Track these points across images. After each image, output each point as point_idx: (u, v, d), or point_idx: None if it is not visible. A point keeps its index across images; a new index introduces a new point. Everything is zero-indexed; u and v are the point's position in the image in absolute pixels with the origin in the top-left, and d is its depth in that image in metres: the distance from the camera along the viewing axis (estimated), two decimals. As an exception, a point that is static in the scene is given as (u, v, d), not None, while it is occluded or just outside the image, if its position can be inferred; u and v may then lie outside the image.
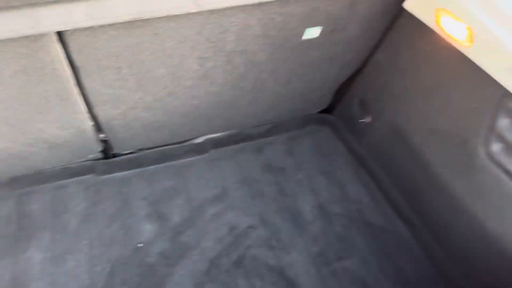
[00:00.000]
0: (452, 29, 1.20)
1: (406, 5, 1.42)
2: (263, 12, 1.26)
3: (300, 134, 2.11)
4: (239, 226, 1.74)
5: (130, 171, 1.91)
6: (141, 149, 1.96)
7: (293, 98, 1.90)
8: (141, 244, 1.66)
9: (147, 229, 1.71)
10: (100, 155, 1.90)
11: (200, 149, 2.00)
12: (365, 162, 1.92)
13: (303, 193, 1.86)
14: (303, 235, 1.71)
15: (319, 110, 2.14)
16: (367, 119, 1.88)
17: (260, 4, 1.22)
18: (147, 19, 1.16)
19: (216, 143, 2.03)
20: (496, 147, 1.23)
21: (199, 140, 2.02)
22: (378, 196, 1.83)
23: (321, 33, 1.48)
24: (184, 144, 2.01)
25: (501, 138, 1.21)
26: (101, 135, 1.74)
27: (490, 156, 1.25)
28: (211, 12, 1.20)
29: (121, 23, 1.15)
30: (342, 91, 2.01)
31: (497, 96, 1.17)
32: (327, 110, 2.15)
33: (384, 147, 1.80)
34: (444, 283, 1.54)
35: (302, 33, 1.43)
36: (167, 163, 1.95)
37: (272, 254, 1.65)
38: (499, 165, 1.22)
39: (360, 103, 1.90)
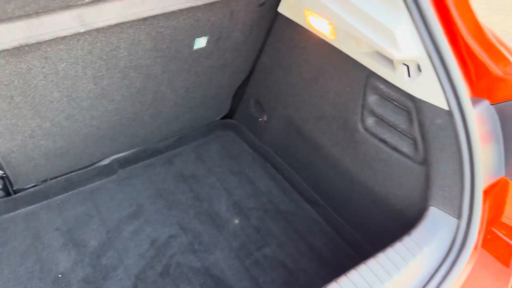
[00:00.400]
0: (319, 25, 1.38)
1: (280, 9, 1.59)
2: (150, 27, 1.33)
3: (207, 141, 2.20)
4: (160, 238, 1.77)
5: (36, 205, 1.84)
6: (45, 180, 1.90)
7: (194, 107, 1.99)
8: (61, 275, 1.62)
9: (65, 258, 1.67)
10: (0, 193, 1.81)
11: (108, 171, 1.99)
12: (269, 157, 2.07)
13: (217, 195, 1.95)
14: (223, 233, 1.79)
15: (221, 116, 2.25)
16: (264, 118, 2.03)
17: (145, 19, 1.29)
18: (35, 44, 1.16)
19: (124, 163, 2.03)
20: (370, 121, 1.44)
21: (106, 161, 2.02)
22: (285, 186, 1.98)
23: (208, 42, 1.60)
24: (91, 168, 1.99)
25: (373, 113, 1.41)
26: (-1, 172, 1.67)
27: (367, 130, 1.45)
28: (99, 30, 1.24)
29: (8, 50, 1.14)
30: (239, 95, 2.15)
31: (364, 77, 1.38)
32: (229, 115, 2.27)
33: (283, 140, 1.96)
34: (351, 249, 1.73)
35: (192, 44, 1.53)
36: (76, 190, 1.91)
37: (196, 257, 1.71)
38: (375, 136, 1.43)
39: (256, 104, 2.05)
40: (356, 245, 1.71)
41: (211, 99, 2.03)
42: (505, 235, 1.26)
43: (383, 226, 1.54)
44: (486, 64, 1.17)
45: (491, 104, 1.21)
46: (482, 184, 1.17)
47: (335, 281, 1.11)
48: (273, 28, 1.70)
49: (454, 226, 1.23)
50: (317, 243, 1.76)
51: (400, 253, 1.19)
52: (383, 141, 1.41)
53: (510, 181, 1.26)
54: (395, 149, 1.39)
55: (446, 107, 1.16)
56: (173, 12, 1.30)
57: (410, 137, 1.33)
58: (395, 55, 1.15)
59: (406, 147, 1.35)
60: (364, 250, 1.68)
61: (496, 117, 1.22)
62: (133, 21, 1.25)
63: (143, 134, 1.97)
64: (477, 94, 1.16)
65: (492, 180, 1.24)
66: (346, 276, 1.14)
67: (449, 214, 1.25)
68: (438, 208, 1.27)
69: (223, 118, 2.29)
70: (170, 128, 2.06)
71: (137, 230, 1.79)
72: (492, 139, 1.22)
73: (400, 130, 1.35)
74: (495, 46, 1.18)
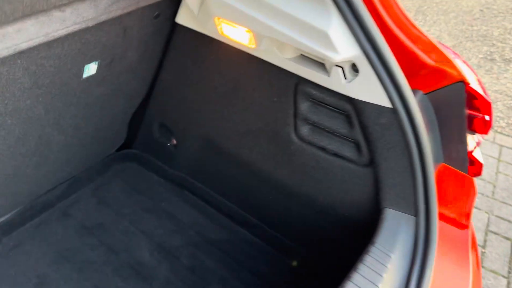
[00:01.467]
0: (235, 34, 1.23)
1: (179, 20, 1.39)
2: (28, 60, 1.03)
3: (106, 180, 1.89)
4: (76, 311, 1.45)
5: None
6: None
7: (87, 144, 1.67)
8: None
9: None
10: None
11: (-13, 243, 1.57)
12: (186, 184, 1.86)
13: (135, 241, 1.67)
14: (153, 285, 1.54)
15: (117, 147, 1.95)
16: (173, 142, 1.81)
17: (21, 52, 0.98)
18: None
19: (7, 228, 1.63)
20: (304, 129, 1.34)
21: (-18, 233, 1.59)
22: (210, 212, 1.79)
23: (100, 67, 1.33)
24: (-38, 246, 1.54)
25: (307, 121, 1.32)
26: None
27: (303, 139, 1.35)
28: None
29: None
30: (137, 121, 1.88)
31: (292, 85, 1.27)
32: (126, 145, 1.98)
33: (200, 162, 1.76)
34: (301, 267, 1.63)
35: (81, 72, 1.24)
36: None
37: (129, 323, 1.43)
38: (313, 144, 1.33)
39: (160, 127, 1.81)
40: (306, 262, 1.61)
41: (106, 130, 1.73)
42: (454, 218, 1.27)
43: (331, 236, 1.46)
44: (418, 55, 1.15)
45: (425, 94, 1.20)
46: (433, 176, 1.15)
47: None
48: (173, 42, 1.49)
49: (412, 224, 1.20)
50: (262, 268, 1.62)
51: (372, 266, 1.11)
52: (322, 149, 1.33)
53: (449, 166, 1.28)
54: (336, 155, 1.31)
55: (389, 105, 1.11)
56: (56, 38, 1.02)
57: (351, 141, 1.26)
58: (333, 57, 1.06)
59: (348, 151, 1.27)
60: (314, 265, 1.59)
61: (430, 105, 1.22)
62: (5, 57, 0.94)
63: (26, 190, 1.59)
64: (413, 86, 1.13)
65: (435, 169, 1.23)
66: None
67: (405, 212, 1.21)
68: (394, 209, 1.22)
69: (119, 149, 1.99)
70: (60, 174, 1.70)
71: (45, 310, 1.44)
72: (429, 128, 1.21)
73: (339, 135, 1.27)
74: (422, 35, 1.17)
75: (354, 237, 1.37)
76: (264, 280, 1.58)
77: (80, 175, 1.85)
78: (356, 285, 1.07)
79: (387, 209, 1.22)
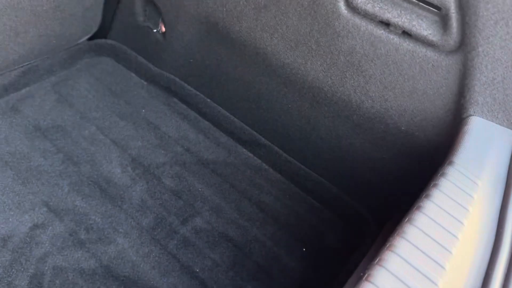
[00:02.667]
0: None
1: None
2: None
3: (72, 74, 1.46)
4: (16, 232, 1.06)
5: None
6: None
7: (48, 23, 1.24)
8: None
9: None
10: None
11: None
12: (175, 88, 1.44)
13: (103, 152, 1.27)
14: (123, 208, 1.15)
15: (89, 35, 1.51)
16: (161, 28, 1.36)
17: None
18: None
19: None
20: None
21: None
22: (204, 126, 1.39)
23: None
24: None
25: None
26: None
27: (356, 9, 0.91)
28: None
29: None
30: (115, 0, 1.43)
31: None
32: (101, 33, 1.53)
33: (196, 58, 1.33)
34: (316, 201, 1.25)
35: None
36: None
37: (86, 253, 1.05)
38: (371, 17, 0.90)
39: (145, 6, 1.36)
40: (322, 193, 1.24)
41: (73, 8, 1.28)
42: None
43: (370, 157, 1.08)
44: None
45: None
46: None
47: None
48: None
49: (510, 139, 0.81)
50: (266, 198, 1.24)
51: (451, 194, 0.74)
52: (385, 25, 0.91)
53: None
54: (406, 34, 0.89)
55: None
56: None
57: (434, 8, 0.84)
58: None
59: (426, 28, 0.86)
60: (335, 199, 1.21)
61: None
62: None
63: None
64: None
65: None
66: (391, 251, 0.65)
67: (501, 124, 0.82)
68: (484, 118, 0.83)
69: (91, 38, 1.54)
70: (10, 56, 1.27)
71: (-29, 227, 1.05)
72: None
73: None
74: None
75: (406, 162, 0.99)
76: (269, 213, 1.20)
77: (38, 64, 1.41)
78: (430, 218, 0.69)
79: (474, 117, 0.83)
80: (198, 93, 1.39)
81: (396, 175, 1.09)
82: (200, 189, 1.23)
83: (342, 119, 1.08)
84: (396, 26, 0.89)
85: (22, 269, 1.00)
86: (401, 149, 1.04)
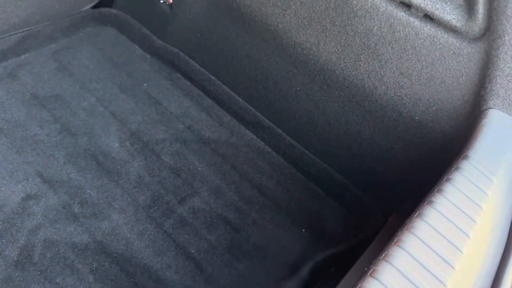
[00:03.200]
0: None
1: None
2: None
3: (73, 43, 1.41)
4: (7, 202, 1.03)
5: None
6: None
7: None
8: None
9: None
10: None
11: None
12: (179, 63, 1.38)
13: (101, 125, 1.23)
14: (120, 183, 1.12)
15: (93, 3, 1.45)
16: (169, -1, 1.31)
17: None
18: None
19: None
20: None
21: None
22: (207, 104, 1.34)
23: None
24: None
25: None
26: None
27: None
28: None
29: None
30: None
31: None
32: (105, 2, 1.48)
33: (203, 31, 1.28)
34: (319, 187, 1.21)
35: None
36: None
37: (79, 228, 1.02)
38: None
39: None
40: (326, 180, 1.20)
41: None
42: None
43: (380, 146, 1.03)
44: None
45: None
46: None
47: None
48: None
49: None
50: (267, 182, 1.20)
51: (464, 189, 0.70)
52: (405, 6, 0.86)
53: None
54: (428, 18, 0.84)
55: None
56: None
57: None
58: None
59: (449, 12, 0.81)
60: (339, 187, 1.17)
61: None
62: None
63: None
64: None
65: None
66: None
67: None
68: (504, 112, 0.78)
69: (96, 6, 1.48)
70: (10, 19, 1.22)
71: (-39, 193, 1.02)
72: None
73: None
74: None
75: (429, 154, 0.95)
76: (269, 197, 1.17)
77: (39, 30, 1.36)
78: (442, 214, 0.66)
79: (494, 110, 0.79)
80: (202, 69, 1.34)
81: (405, 166, 1.05)
82: (200, 169, 1.19)
83: (353, 104, 1.04)
84: (417, 9, 0.84)
85: (13, 240, 0.97)
86: (412, 140, 1.00)
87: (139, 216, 1.07)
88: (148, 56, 1.42)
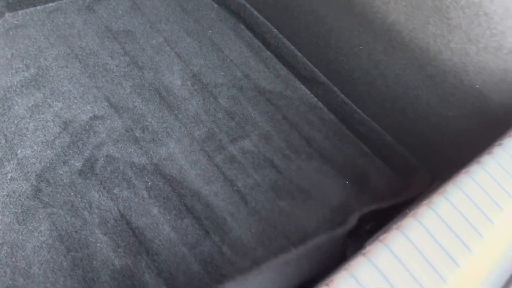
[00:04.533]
0: None
1: None
2: None
3: (148, -15, 1.48)
4: (77, 119, 1.12)
5: None
6: None
7: None
8: None
9: None
10: None
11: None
12: (244, 14, 1.43)
13: (167, 63, 1.30)
14: (179, 117, 1.19)
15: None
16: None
17: None
18: None
19: (14, 4, 1.27)
20: None
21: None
22: (267, 56, 1.39)
23: None
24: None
25: None
26: None
27: None
28: None
29: None
30: None
31: None
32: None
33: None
34: (365, 145, 1.24)
35: None
36: None
37: (139, 149, 1.10)
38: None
39: None
40: (375, 140, 1.22)
41: None
42: None
43: (435, 112, 1.05)
44: None
45: None
46: None
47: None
48: None
49: None
50: (316, 135, 1.24)
51: (495, 175, 0.69)
52: None
53: None
54: None
55: None
56: None
57: None
58: None
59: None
60: (388, 147, 1.20)
61: None
62: None
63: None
64: None
65: None
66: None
67: None
68: None
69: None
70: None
71: (38, 106, 1.12)
72: None
73: None
74: None
75: (484, 125, 0.95)
76: (317, 148, 1.20)
77: (117, -31, 1.44)
78: (476, 182, 0.67)
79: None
80: (266, 22, 1.38)
81: (458, 135, 1.05)
82: (252, 114, 1.25)
83: (415, 68, 1.05)
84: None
85: (78, 151, 1.06)
86: (469, 109, 1.00)
87: (193, 148, 1.13)
88: (215, 5, 1.47)
